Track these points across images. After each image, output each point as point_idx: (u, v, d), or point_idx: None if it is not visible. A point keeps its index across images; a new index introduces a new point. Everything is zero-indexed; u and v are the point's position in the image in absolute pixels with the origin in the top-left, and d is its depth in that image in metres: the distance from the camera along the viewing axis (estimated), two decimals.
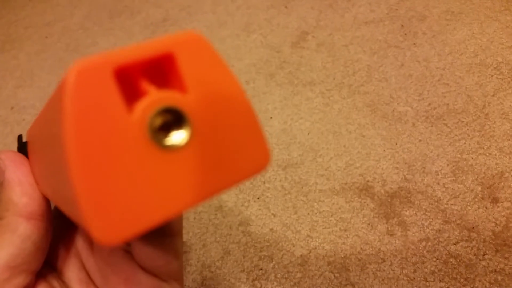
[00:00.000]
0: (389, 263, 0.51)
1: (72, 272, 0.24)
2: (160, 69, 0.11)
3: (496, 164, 0.56)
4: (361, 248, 0.53)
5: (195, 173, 0.10)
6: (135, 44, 0.11)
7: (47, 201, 0.21)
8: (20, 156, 0.22)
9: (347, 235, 0.54)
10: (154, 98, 0.10)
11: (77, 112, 0.09)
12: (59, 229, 0.24)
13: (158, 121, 0.10)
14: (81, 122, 0.09)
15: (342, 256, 0.52)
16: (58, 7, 1.05)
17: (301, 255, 0.53)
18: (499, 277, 0.48)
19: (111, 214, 0.10)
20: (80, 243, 0.24)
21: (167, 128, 0.11)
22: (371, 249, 0.52)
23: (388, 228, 0.53)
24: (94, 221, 0.09)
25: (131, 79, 0.10)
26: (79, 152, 0.09)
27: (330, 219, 0.55)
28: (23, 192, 0.21)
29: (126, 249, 0.23)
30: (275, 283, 0.52)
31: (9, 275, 0.19)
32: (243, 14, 0.87)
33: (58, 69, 0.88)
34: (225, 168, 0.11)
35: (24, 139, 0.24)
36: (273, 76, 0.74)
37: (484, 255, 0.50)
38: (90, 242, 0.24)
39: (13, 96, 0.84)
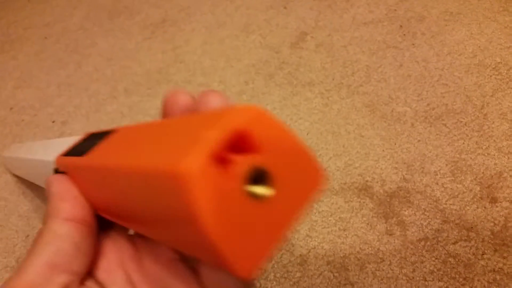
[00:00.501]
0: (388, 262, 0.51)
1: (116, 285, 0.23)
2: (237, 139, 0.14)
3: (495, 164, 0.56)
4: (360, 248, 0.53)
5: (282, 208, 0.14)
6: (213, 125, 0.13)
7: (90, 210, 0.23)
8: (64, 176, 0.24)
9: (346, 234, 0.54)
10: (244, 165, 0.13)
11: (201, 201, 0.12)
12: (102, 242, 0.25)
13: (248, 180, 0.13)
14: (206, 205, 0.12)
15: (341, 255, 0.52)
16: (58, 7, 1.05)
17: (300, 255, 0.53)
18: (498, 277, 0.48)
19: (243, 254, 0.13)
20: (127, 255, 0.24)
21: (254, 182, 0.14)
22: (370, 248, 0.53)
23: (387, 227, 0.54)
24: (235, 263, 0.13)
25: (219, 154, 0.13)
26: (213, 223, 0.12)
27: (329, 218, 0.55)
28: (64, 199, 0.23)
29: (188, 264, 0.23)
30: (274, 282, 0.52)
31: (51, 274, 0.20)
32: (242, 14, 0.87)
33: (57, 69, 0.88)
34: (298, 195, 0.15)
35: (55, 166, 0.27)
36: (272, 77, 0.74)
37: (483, 254, 0.50)
38: (139, 254, 0.24)
39: (12, 96, 0.84)
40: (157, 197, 0.14)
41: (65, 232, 0.21)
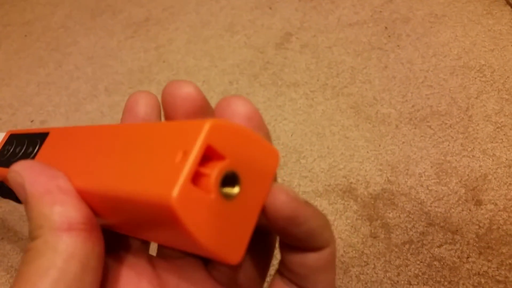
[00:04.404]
0: (373, 266, 0.50)
1: None
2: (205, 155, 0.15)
3: (480, 166, 0.56)
4: (344, 251, 0.52)
5: (251, 196, 0.16)
6: (183, 146, 0.15)
7: (87, 206, 0.18)
8: (38, 163, 0.18)
9: None
10: (215, 175, 0.14)
11: (188, 221, 0.14)
12: (117, 266, 0.20)
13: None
14: (193, 222, 0.14)
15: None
16: (39, 5, 1.03)
17: None
18: (483, 280, 0.48)
19: (230, 246, 0.15)
20: (146, 280, 0.20)
21: (223, 183, 0.15)
22: (354, 251, 0.52)
23: (371, 230, 0.53)
24: (225, 256, 0.15)
25: (195, 173, 0.15)
26: (201, 232, 0.14)
27: None
28: (53, 200, 0.17)
29: (211, 273, 0.20)
30: None
31: None
32: (227, 14, 0.86)
33: (37, 68, 0.86)
34: (262, 179, 0.16)
35: None
36: (257, 77, 0.73)
37: (467, 258, 0.49)
38: (162, 279, 0.20)
39: None
40: (149, 216, 0.15)
41: (67, 248, 0.16)
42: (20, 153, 0.23)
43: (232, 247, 0.15)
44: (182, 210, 0.14)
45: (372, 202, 0.55)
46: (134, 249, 0.21)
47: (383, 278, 0.49)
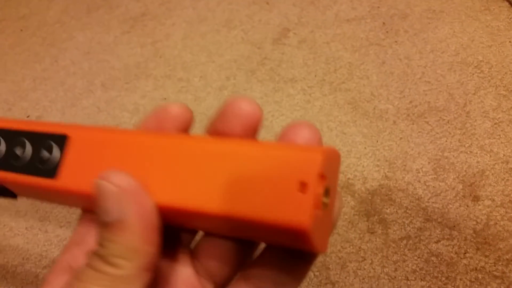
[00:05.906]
0: (370, 261, 0.50)
1: None
2: None
3: (477, 162, 0.56)
4: (341, 246, 0.52)
5: (331, 202, 0.18)
6: (309, 172, 0.16)
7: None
8: (137, 184, 0.17)
9: None
10: (323, 194, 0.17)
11: (313, 237, 0.16)
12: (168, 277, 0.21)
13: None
14: (315, 233, 0.16)
15: (322, 254, 0.51)
16: (34, 0, 1.02)
17: None
18: (480, 276, 0.48)
19: (324, 241, 0.17)
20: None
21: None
22: (351, 247, 0.52)
23: (368, 226, 0.53)
24: (320, 249, 0.17)
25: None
26: (317, 241, 0.16)
27: None
28: (148, 238, 0.17)
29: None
30: None
31: None
32: (224, 9, 0.85)
33: (33, 63, 0.85)
34: (335, 184, 0.19)
35: None
36: (254, 73, 0.72)
37: (465, 253, 0.49)
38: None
39: None
40: (269, 233, 0.17)
41: (142, 286, 0.17)
42: (28, 157, 0.20)
43: (324, 242, 0.17)
44: (312, 232, 0.16)
45: (370, 197, 0.55)
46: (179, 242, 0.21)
47: (381, 273, 0.49)
